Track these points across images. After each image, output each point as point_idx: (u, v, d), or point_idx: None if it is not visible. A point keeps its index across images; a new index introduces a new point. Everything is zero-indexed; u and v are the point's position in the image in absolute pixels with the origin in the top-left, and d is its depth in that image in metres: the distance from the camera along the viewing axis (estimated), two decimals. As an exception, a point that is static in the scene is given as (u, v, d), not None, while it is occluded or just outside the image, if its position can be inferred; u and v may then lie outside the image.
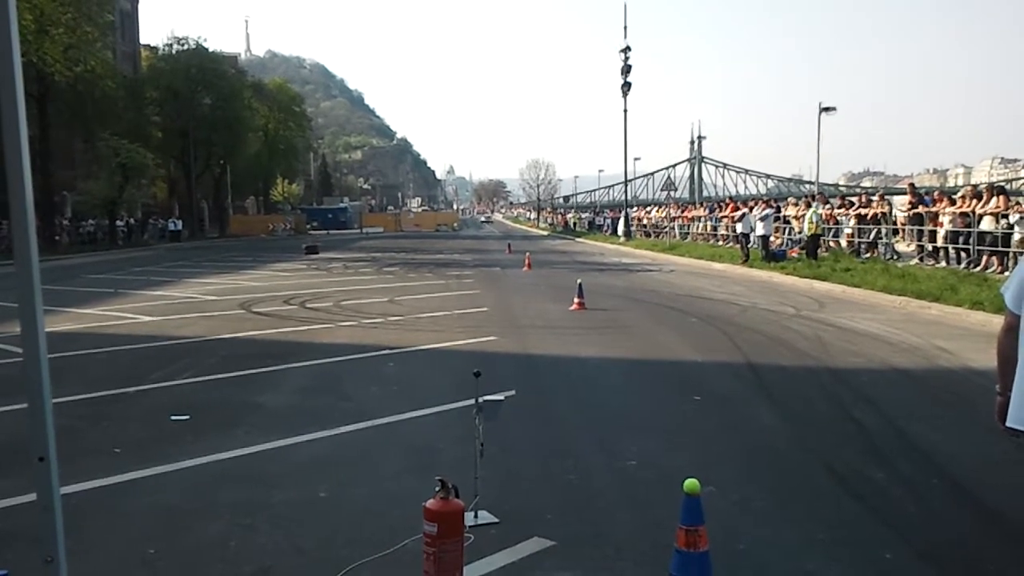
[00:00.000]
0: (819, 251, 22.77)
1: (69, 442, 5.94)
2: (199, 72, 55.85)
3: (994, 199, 18.09)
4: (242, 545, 4.24)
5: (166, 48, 59.32)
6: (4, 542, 4.30)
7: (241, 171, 69.37)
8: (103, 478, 5.27)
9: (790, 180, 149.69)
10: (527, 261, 24.78)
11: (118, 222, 46.15)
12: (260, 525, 4.50)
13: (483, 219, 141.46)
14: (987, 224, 17.91)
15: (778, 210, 28.23)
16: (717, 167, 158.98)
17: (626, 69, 43.28)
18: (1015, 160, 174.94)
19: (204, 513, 4.69)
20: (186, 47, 58.14)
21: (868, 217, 23.18)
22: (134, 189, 45.00)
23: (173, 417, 6.82)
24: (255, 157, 68.71)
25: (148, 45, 66.39)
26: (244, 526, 4.49)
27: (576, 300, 14.09)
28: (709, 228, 35.27)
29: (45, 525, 2.32)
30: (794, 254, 23.74)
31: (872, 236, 22.89)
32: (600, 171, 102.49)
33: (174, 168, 59.69)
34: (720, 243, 31.89)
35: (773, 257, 22.80)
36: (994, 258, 17.46)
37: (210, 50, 60.04)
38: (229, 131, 57.55)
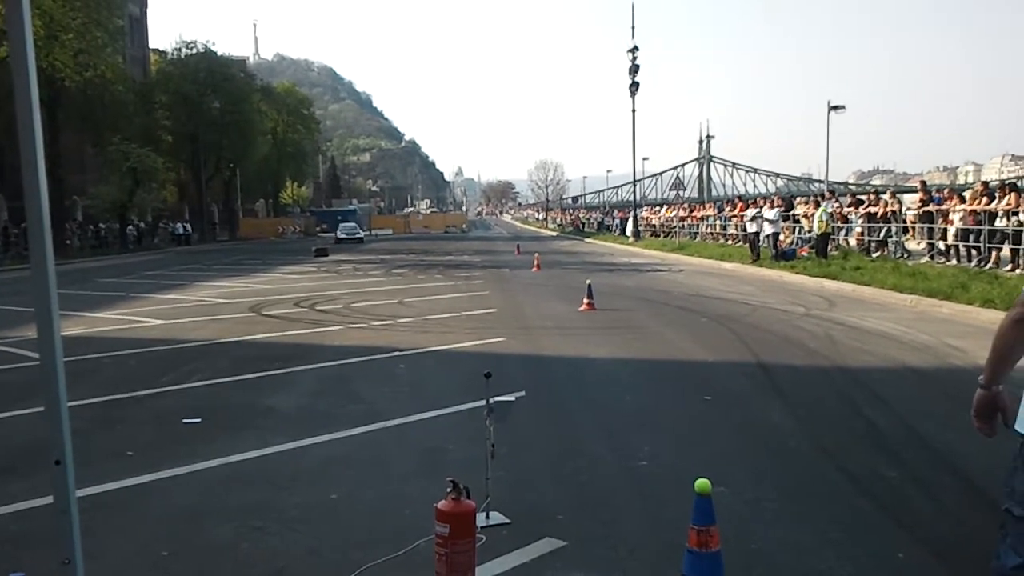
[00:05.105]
0: (829, 250, 22.70)
1: (82, 445, 5.98)
2: (208, 76, 56.18)
3: (1007, 196, 18.00)
4: (254, 547, 4.26)
5: (175, 52, 59.71)
6: (21, 544, 4.34)
7: (251, 174, 69.79)
8: (117, 481, 5.31)
9: (799, 179, 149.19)
10: (536, 262, 24.79)
11: (129, 226, 46.40)
12: (272, 527, 4.52)
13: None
14: (999, 221, 17.81)
15: (788, 208, 28.13)
16: (726, 166, 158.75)
17: (634, 69, 43.34)
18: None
19: (216, 515, 4.71)
20: (195, 51, 58.51)
21: (878, 215, 23.09)
22: (144, 193, 45.30)
23: (185, 420, 6.86)
24: (264, 160, 69.14)
25: (157, 49, 66.79)
26: (256, 528, 4.51)
27: (585, 300, 14.07)
28: (718, 227, 35.20)
29: (62, 528, 2.35)
30: (804, 253, 23.67)
31: (882, 234, 22.80)
32: (608, 171, 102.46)
33: (184, 172, 60.04)
34: (729, 242, 31.83)
35: (783, 256, 22.73)
36: (1006, 255, 17.37)
37: (219, 54, 60.55)
38: (238, 134, 57.84)
